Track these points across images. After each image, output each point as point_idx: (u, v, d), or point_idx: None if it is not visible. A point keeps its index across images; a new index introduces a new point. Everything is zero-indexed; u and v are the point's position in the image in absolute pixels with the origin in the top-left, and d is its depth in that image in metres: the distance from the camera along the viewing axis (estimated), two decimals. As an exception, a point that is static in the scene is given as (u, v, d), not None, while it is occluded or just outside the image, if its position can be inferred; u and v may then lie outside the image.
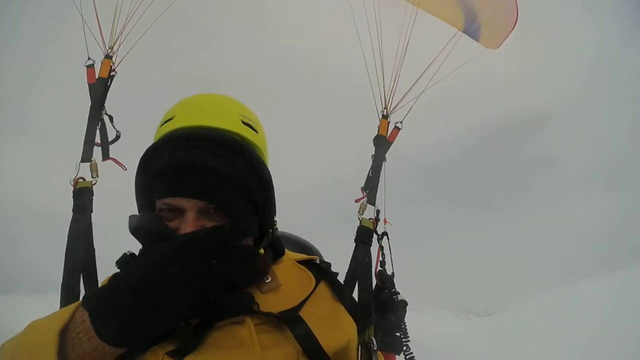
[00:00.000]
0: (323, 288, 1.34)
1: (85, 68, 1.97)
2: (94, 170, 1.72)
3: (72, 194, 1.65)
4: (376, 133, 2.20)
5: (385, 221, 2.14)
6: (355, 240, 1.88)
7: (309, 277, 1.33)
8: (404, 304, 2.11)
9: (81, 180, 1.67)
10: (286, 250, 1.43)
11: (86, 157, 1.75)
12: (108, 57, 1.98)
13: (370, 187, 2.05)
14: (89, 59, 1.98)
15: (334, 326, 1.22)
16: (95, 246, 1.60)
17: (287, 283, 1.27)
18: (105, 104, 1.91)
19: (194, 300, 0.97)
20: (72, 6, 2.07)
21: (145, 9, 2.05)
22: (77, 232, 1.57)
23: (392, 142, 2.18)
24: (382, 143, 2.16)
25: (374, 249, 1.96)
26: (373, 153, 2.16)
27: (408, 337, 2.12)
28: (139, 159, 1.19)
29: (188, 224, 1.07)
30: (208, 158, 1.09)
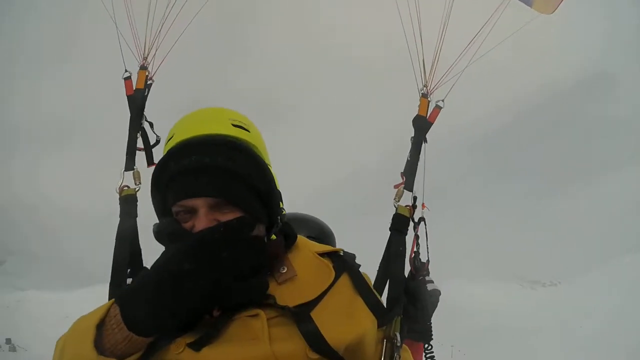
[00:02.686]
0: (344, 280, 1.37)
1: (123, 80, 2.08)
2: (136, 178, 1.84)
3: (118, 201, 1.78)
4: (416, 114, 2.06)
5: (423, 206, 2.05)
6: (390, 229, 1.82)
7: (329, 269, 1.36)
8: (437, 293, 2.08)
9: (126, 188, 1.80)
10: (308, 242, 1.49)
11: (129, 166, 1.88)
12: (143, 68, 2.07)
13: (408, 172, 1.94)
14: (125, 71, 2.09)
15: (347, 321, 1.27)
16: (141, 247, 1.72)
17: (304, 273, 1.32)
18: (144, 112, 2.01)
19: (208, 290, 1.08)
20: (108, 20, 2.17)
21: (174, 17, 2.10)
22: (123, 236, 1.69)
23: (433, 123, 2.05)
24: (421, 124, 2.03)
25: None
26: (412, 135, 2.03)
27: (431, 335, 2.05)
28: None
29: (201, 220, 1.18)
30: (207, 159, 1.21)
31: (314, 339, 1.18)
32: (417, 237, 1.96)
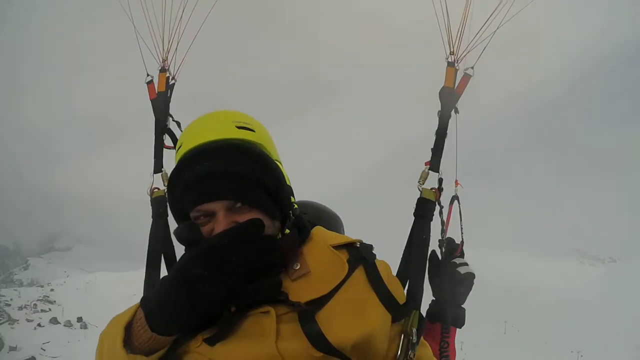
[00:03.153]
0: (359, 274, 1.36)
1: (146, 85, 2.12)
2: (165, 179, 1.92)
3: (149, 203, 1.88)
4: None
5: (456, 183, 1.99)
6: (414, 214, 1.75)
7: (342, 263, 1.35)
8: (470, 276, 1.97)
9: (156, 189, 1.90)
10: (324, 233, 1.49)
11: (157, 168, 1.97)
12: (162, 70, 2.10)
13: (434, 150, 1.83)
14: (147, 75, 2.11)
15: (356, 317, 1.25)
16: (175, 244, 1.76)
17: (317, 269, 1.33)
18: (170, 112, 2.06)
19: (221, 294, 1.13)
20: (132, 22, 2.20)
21: (189, 16, 2.09)
22: (156, 236, 1.79)
23: (461, 94, 1.89)
24: (448, 96, 1.88)
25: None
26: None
27: (464, 319, 1.97)
28: None
29: (220, 223, 1.23)
30: (219, 164, 1.25)
31: (316, 339, 1.19)
32: (444, 216, 1.86)
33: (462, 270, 1.98)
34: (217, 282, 1.13)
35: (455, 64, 1.90)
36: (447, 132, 1.87)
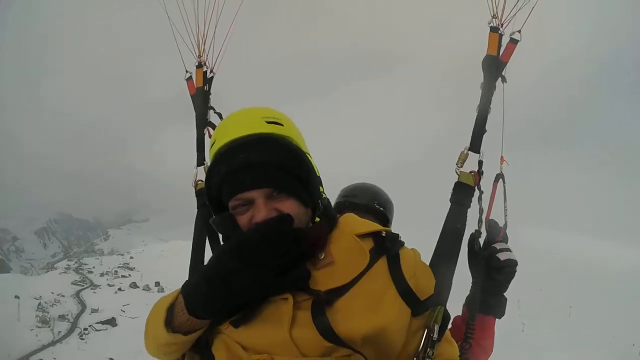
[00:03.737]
0: (381, 265, 1.38)
1: (186, 82, 2.17)
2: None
3: (194, 195, 1.93)
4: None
5: (502, 160, 1.81)
6: (450, 200, 1.65)
7: (364, 254, 1.37)
8: (512, 263, 1.77)
9: (200, 182, 1.93)
10: (352, 221, 1.51)
11: (200, 161, 2.02)
12: (199, 66, 2.14)
13: (476, 128, 1.70)
14: (186, 72, 2.17)
15: (371, 309, 1.28)
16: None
17: (340, 258, 1.36)
18: (211, 104, 2.11)
19: (251, 286, 1.23)
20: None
21: (220, 10, 2.06)
22: (200, 226, 1.84)
23: (507, 62, 1.71)
24: (491, 65, 1.71)
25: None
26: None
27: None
28: None
29: (260, 209, 1.30)
30: (252, 155, 1.32)
31: (325, 331, 1.23)
32: (483, 203, 1.71)
33: (502, 256, 1.77)
34: (249, 275, 1.22)
35: (500, 29, 1.72)
36: (491, 106, 1.72)
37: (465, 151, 1.69)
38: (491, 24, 1.73)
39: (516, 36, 1.71)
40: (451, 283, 1.50)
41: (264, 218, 1.28)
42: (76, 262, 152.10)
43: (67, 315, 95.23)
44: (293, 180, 1.34)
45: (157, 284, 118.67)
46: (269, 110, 1.46)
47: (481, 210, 1.72)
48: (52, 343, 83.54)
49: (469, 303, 1.82)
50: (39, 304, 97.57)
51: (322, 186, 1.47)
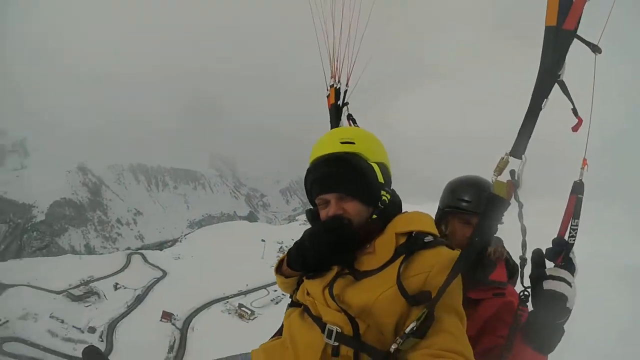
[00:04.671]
0: (399, 260, 1.70)
1: (327, 98, 2.82)
2: None
3: None
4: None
5: (584, 162, 1.53)
6: (481, 211, 1.59)
7: (391, 250, 1.75)
8: (557, 295, 1.54)
9: None
10: (401, 220, 1.85)
11: None
12: (331, 86, 2.80)
13: (523, 126, 1.48)
14: (327, 90, 2.83)
15: (372, 290, 1.68)
16: None
17: (379, 250, 1.78)
18: (348, 115, 2.76)
19: (317, 257, 1.82)
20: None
21: (360, 38, 2.61)
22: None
23: (573, 30, 1.37)
24: (550, 39, 1.41)
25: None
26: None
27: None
28: None
29: (332, 207, 1.84)
30: (327, 170, 1.85)
31: (330, 291, 1.76)
32: (522, 218, 1.55)
33: (547, 285, 1.56)
34: (314, 250, 1.81)
35: None
36: (547, 100, 1.43)
37: (505, 156, 1.50)
38: None
39: None
40: (443, 292, 1.50)
41: (333, 214, 1.83)
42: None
43: None
44: (355, 187, 1.81)
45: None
46: (346, 132, 1.98)
47: (524, 229, 1.57)
48: None
49: (521, 328, 1.73)
50: (280, 247, 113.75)
51: (386, 189, 1.89)
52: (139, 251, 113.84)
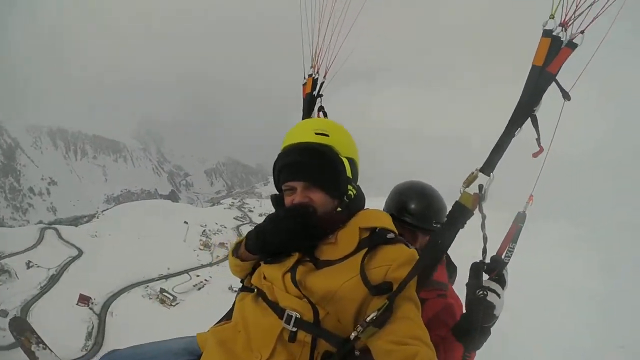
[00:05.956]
0: (362, 252, 1.76)
1: (302, 87, 2.73)
2: None
3: None
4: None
5: (530, 198, 1.77)
6: (446, 216, 1.82)
7: (355, 243, 1.80)
8: (490, 304, 1.76)
9: None
10: (365, 215, 1.91)
11: None
12: (310, 75, 2.72)
13: (495, 148, 1.70)
14: (304, 78, 2.73)
15: (334, 279, 1.72)
16: None
17: (341, 242, 1.83)
18: (320, 107, 2.67)
19: (277, 240, 1.82)
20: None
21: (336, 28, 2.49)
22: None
23: (555, 74, 1.56)
24: (534, 77, 1.60)
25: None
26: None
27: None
28: None
29: (298, 195, 1.86)
30: (297, 157, 1.87)
31: (294, 279, 1.77)
32: (485, 229, 1.66)
33: (480, 294, 1.77)
34: (274, 235, 1.82)
35: (558, 32, 1.55)
36: (521, 128, 1.62)
37: (475, 172, 1.69)
38: (546, 27, 1.54)
39: (577, 39, 1.50)
40: (404, 287, 1.61)
41: (299, 201, 1.84)
42: (239, 201, 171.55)
43: (227, 243, 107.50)
44: (321, 177, 1.84)
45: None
46: (321, 123, 1.98)
47: (485, 238, 1.69)
48: (210, 264, 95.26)
49: (453, 327, 1.95)
50: (204, 231, 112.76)
51: (353, 184, 1.91)
52: (53, 226, 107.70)
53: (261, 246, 1.88)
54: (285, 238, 1.79)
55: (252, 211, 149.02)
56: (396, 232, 1.83)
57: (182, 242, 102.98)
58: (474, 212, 1.72)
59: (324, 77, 2.67)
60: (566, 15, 1.51)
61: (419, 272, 1.67)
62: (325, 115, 2.66)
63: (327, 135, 1.90)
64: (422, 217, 2.48)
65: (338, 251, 1.80)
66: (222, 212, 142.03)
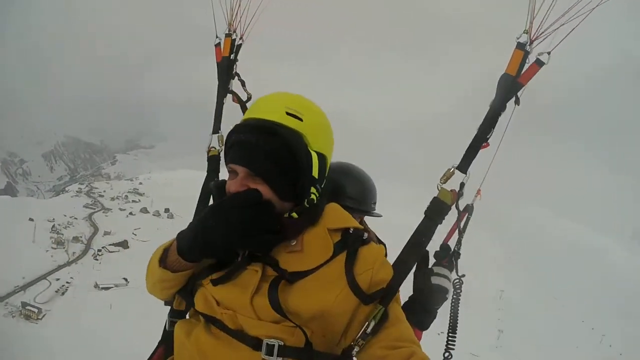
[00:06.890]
0: (340, 258, 1.53)
1: (214, 47, 2.30)
2: (220, 140, 2.21)
3: (206, 160, 2.18)
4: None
5: (478, 192, 1.86)
6: (424, 213, 1.76)
7: (329, 247, 1.54)
8: (443, 289, 1.91)
9: (212, 149, 2.20)
10: (329, 214, 1.63)
11: (215, 129, 2.24)
12: (227, 35, 2.29)
13: (470, 148, 1.76)
14: (216, 37, 2.31)
15: (319, 294, 1.48)
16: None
17: (309, 248, 1.54)
18: (236, 73, 2.28)
19: (223, 240, 1.44)
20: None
21: None
22: (207, 190, 2.09)
23: (525, 85, 1.70)
24: (506, 85, 1.70)
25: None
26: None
27: (454, 338, 1.85)
28: None
29: (236, 182, 1.50)
30: (252, 138, 1.48)
31: (274, 302, 1.44)
32: (460, 223, 1.82)
33: (434, 280, 1.91)
34: (219, 232, 1.42)
35: (527, 47, 1.68)
36: (492, 131, 1.73)
37: (452, 169, 1.75)
38: (520, 39, 1.69)
39: (544, 58, 1.66)
40: (398, 289, 1.61)
41: (235, 191, 1.49)
42: (87, 186, 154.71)
43: (81, 237, 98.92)
44: (274, 170, 1.47)
45: (167, 210, 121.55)
46: (297, 101, 1.57)
47: (460, 232, 1.85)
48: (68, 263, 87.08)
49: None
50: (53, 226, 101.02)
51: (317, 187, 1.58)
52: None
53: (201, 248, 1.48)
54: (235, 235, 1.44)
55: (102, 196, 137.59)
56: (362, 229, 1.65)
57: (31, 243, 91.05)
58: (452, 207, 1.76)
59: (241, 38, 2.31)
60: (535, 32, 1.66)
61: (404, 271, 1.69)
62: (243, 84, 2.26)
63: (300, 120, 1.52)
64: (362, 200, 2.50)
65: (309, 260, 1.53)
66: (69, 201, 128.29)
